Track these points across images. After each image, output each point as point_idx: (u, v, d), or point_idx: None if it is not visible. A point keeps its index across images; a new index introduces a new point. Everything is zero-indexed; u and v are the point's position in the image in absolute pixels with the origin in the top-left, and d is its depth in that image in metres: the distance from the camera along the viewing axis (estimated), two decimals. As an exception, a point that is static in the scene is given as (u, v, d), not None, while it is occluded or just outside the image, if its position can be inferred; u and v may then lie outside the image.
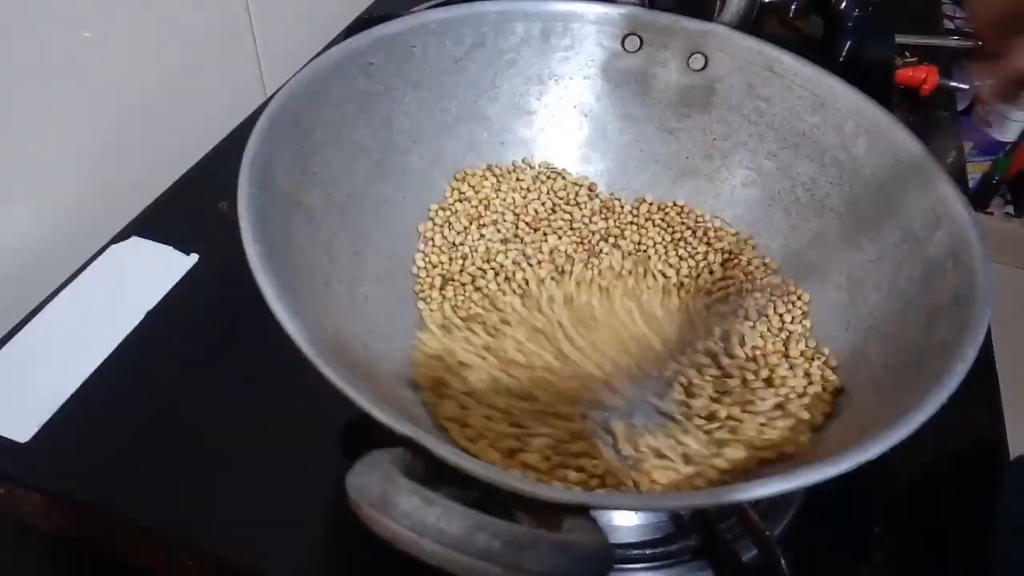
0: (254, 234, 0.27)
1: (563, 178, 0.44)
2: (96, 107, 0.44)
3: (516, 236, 0.41)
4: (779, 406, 0.33)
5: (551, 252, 0.41)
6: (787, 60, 0.40)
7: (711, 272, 0.41)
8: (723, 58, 0.41)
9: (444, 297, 0.38)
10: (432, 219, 0.41)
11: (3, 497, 0.34)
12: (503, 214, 0.42)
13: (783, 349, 0.36)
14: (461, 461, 0.22)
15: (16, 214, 0.41)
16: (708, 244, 0.41)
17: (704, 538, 0.32)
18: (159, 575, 0.34)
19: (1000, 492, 0.34)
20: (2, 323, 0.39)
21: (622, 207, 0.43)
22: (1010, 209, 1.33)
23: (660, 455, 0.31)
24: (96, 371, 0.37)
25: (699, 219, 0.43)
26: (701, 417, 0.33)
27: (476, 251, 0.40)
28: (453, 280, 0.39)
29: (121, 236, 0.44)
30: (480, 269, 0.40)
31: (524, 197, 0.42)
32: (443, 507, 0.19)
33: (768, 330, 0.37)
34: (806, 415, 0.32)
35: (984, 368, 0.40)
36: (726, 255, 0.41)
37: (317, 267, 0.33)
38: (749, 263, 0.40)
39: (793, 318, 0.38)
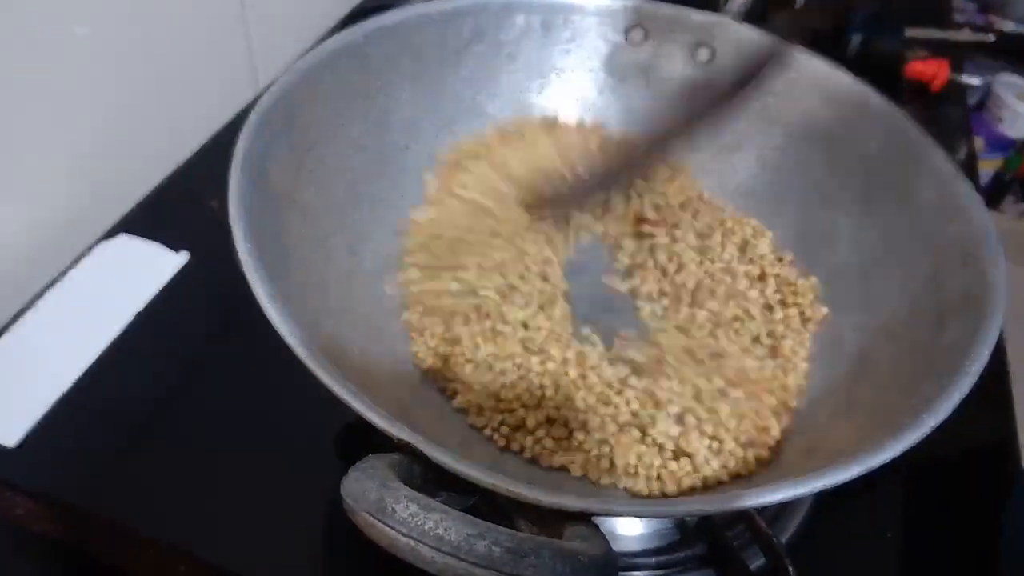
0: (246, 232, 0.27)
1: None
2: (85, 102, 0.43)
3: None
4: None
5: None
6: (795, 54, 0.39)
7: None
8: (729, 51, 0.41)
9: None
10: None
11: (-9, 501, 0.33)
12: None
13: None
14: (460, 466, 0.22)
15: (2, 211, 0.41)
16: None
17: (710, 545, 0.31)
18: (150, 581, 0.33)
19: (1011, 501, 0.33)
20: (-11, 324, 0.39)
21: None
22: (1023, 207, 1.32)
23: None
24: (85, 373, 0.37)
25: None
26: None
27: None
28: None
29: (110, 234, 0.43)
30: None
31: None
32: (442, 513, 0.19)
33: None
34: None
35: (996, 370, 0.40)
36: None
37: (311, 266, 0.33)
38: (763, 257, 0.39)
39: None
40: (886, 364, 0.32)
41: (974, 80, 0.63)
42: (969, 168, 0.56)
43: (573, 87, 0.43)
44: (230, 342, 0.39)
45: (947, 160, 0.34)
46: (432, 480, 0.22)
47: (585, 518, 0.22)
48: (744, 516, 0.30)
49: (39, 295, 0.40)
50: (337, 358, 0.28)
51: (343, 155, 0.36)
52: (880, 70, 0.50)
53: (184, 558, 0.32)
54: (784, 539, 0.32)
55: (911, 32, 0.61)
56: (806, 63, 0.39)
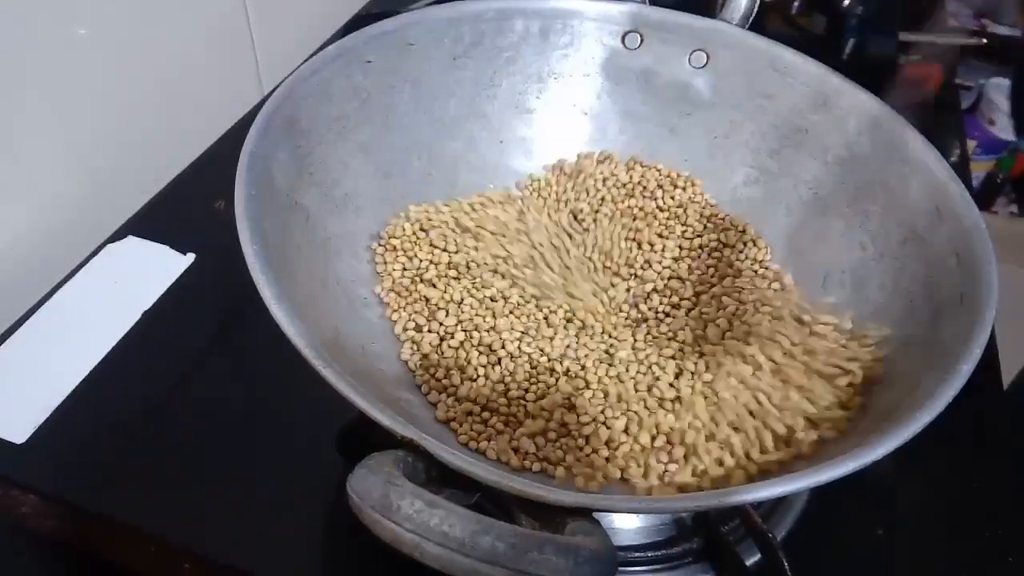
0: (251, 234, 0.27)
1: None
2: (92, 105, 0.44)
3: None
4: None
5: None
6: (789, 57, 0.39)
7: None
8: (725, 55, 0.41)
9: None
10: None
11: (-1, 499, 0.33)
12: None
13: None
14: (464, 464, 0.22)
15: (11, 213, 0.41)
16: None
17: (706, 541, 0.32)
18: (156, 578, 0.34)
19: None
20: (-2, 323, 0.39)
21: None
22: (1015, 208, 1.32)
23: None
24: (93, 372, 0.37)
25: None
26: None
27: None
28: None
29: (117, 236, 0.43)
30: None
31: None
32: (446, 510, 0.19)
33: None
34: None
35: (988, 369, 0.40)
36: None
37: (315, 268, 0.33)
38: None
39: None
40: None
41: (967, 83, 0.63)
42: (962, 169, 0.56)
43: (571, 91, 0.43)
44: (235, 342, 0.39)
45: (940, 161, 0.34)
46: (436, 477, 0.22)
47: (586, 513, 0.22)
48: (739, 511, 0.30)
49: (48, 295, 0.40)
50: (341, 358, 0.28)
51: (345, 157, 0.36)
52: (874, 73, 0.51)
53: (189, 556, 0.32)
54: (779, 535, 0.32)
55: (905, 36, 0.61)
56: (801, 66, 0.39)
